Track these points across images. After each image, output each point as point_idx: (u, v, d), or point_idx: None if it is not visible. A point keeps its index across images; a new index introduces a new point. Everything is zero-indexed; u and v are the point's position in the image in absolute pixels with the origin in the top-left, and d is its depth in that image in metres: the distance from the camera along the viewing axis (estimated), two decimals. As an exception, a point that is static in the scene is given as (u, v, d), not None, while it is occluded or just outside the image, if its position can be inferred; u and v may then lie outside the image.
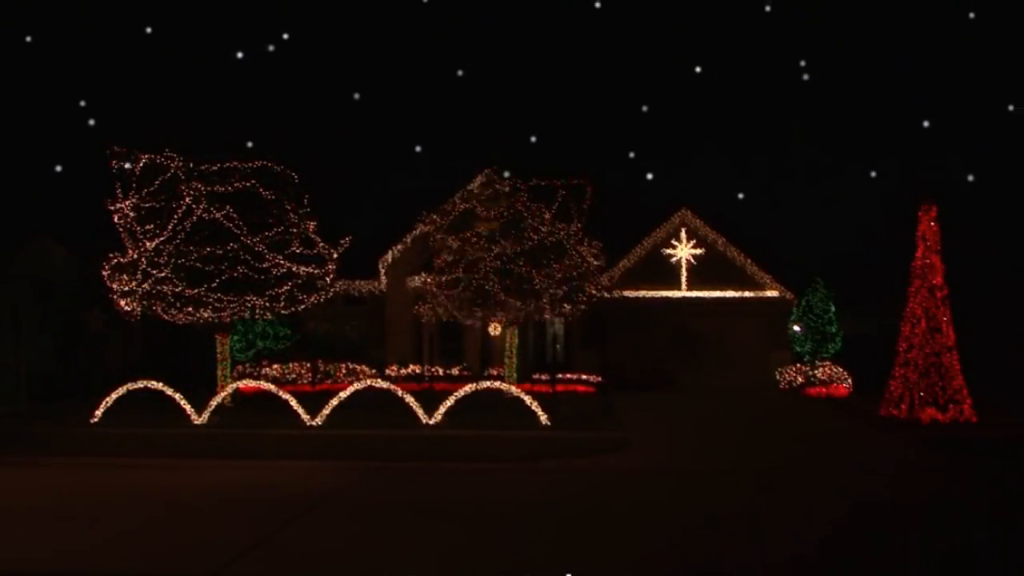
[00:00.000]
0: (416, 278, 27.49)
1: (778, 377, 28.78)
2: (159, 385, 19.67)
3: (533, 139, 22.07)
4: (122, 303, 20.82)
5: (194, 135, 21.21)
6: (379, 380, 20.32)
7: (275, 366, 27.65)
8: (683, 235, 30.37)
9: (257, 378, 25.50)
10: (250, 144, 21.30)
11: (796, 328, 28.00)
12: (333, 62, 58.08)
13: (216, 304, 20.59)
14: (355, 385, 19.43)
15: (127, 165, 20.60)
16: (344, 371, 27.72)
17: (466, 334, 29.36)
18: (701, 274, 30.14)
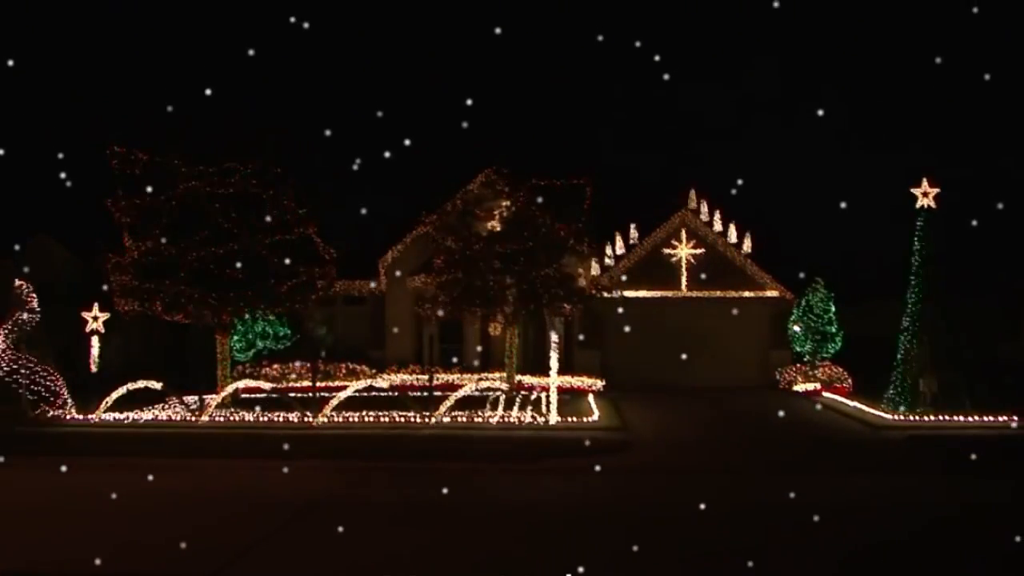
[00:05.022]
0: (416, 278, 27.49)
1: (778, 377, 28.75)
2: (159, 385, 19.67)
3: (532, 139, 22.11)
4: (122, 303, 20.83)
5: (194, 135, 21.19)
6: (379, 380, 20.34)
7: (275, 366, 27.60)
8: (683, 235, 30.34)
9: (257, 378, 25.45)
10: (250, 144, 21.27)
11: (796, 328, 27.98)
12: (334, 61, 58.14)
13: (216, 304, 20.59)
14: (355, 385, 19.45)
15: (127, 165, 20.63)
16: (344, 371, 27.67)
17: (466, 334, 29.36)
18: (701, 274, 30.09)
